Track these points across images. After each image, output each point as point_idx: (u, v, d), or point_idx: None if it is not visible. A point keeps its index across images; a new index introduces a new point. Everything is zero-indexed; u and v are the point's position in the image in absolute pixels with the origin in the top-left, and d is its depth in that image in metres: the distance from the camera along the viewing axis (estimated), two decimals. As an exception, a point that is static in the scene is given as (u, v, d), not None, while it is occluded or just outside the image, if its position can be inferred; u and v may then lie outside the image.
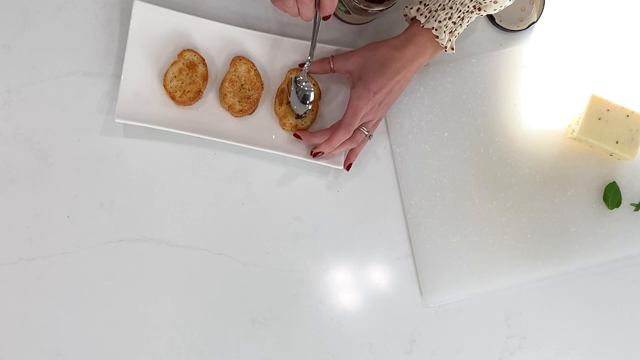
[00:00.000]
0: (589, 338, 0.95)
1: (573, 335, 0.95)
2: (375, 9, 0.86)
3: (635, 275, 0.96)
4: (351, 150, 0.91)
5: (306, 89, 0.89)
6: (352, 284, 0.94)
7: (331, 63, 0.89)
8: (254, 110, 0.91)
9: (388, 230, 0.94)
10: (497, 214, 0.94)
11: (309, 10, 0.76)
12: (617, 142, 0.92)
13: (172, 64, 0.89)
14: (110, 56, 0.92)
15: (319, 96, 0.92)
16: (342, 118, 0.86)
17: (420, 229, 0.94)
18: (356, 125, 0.86)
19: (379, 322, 0.93)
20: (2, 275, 0.89)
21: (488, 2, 0.82)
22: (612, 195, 0.94)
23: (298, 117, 0.91)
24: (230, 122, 0.91)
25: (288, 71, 0.92)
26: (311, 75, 0.92)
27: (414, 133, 0.95)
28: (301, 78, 0.89)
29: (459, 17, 0.83)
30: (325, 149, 0.87)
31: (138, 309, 0.90)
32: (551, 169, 0.95)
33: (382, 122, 0.95)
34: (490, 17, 0.96)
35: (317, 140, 0.88)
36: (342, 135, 0.86)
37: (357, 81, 0.87)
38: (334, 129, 0.86)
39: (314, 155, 0.89)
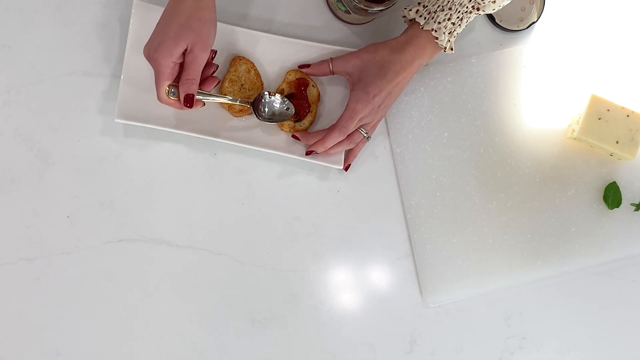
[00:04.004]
0: (589, 338, 0.95)
1: (573, 335, 0.95)
2: (375, 9, 0.86)
3: (635, 275, 0.96)
4: (350, 151, 0.91)
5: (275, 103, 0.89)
6: (352, 284, 0.94)
7: (330, 65, 0.89)
8: (254, 110, 0.92)
9: (388, 230, 0.94)
10: (497, 214, 0.94)
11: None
12: (617, 142, 0.92)
13: (172, 64, 0.89)
14: (110, 56, 0.92)
15: (317, 98, 0.92)
16: (339, 120, 0.86)
17: (420, 229, 0.93)
18: (352, 127, 0.86)
19: (379, 322, 0.93)
20: (2, 275, 0.89)
21: (487, 2, 0.82)
22: (612, 195, 0.94)
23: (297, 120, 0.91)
24: (230, 122, 0.91)
25: (287, 71, 0.92)
26: (311, 76, 0.92)
27: (414, 133, 0.95)
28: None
29: (457, 17, 0.83)
30: (317, 148, 0.87)
31: (138, 309, 0.90)
32: (551, 169, 0.95)
33: (382, 122, 0.95)
34: (490, 17, 0.96)
35: (314, 140, 0.88)
36: (335, 137, 0.86)
37: (357, 83, 0.87)
38: (330, 129, 0.86)
39: (307, 153, 0.89)
